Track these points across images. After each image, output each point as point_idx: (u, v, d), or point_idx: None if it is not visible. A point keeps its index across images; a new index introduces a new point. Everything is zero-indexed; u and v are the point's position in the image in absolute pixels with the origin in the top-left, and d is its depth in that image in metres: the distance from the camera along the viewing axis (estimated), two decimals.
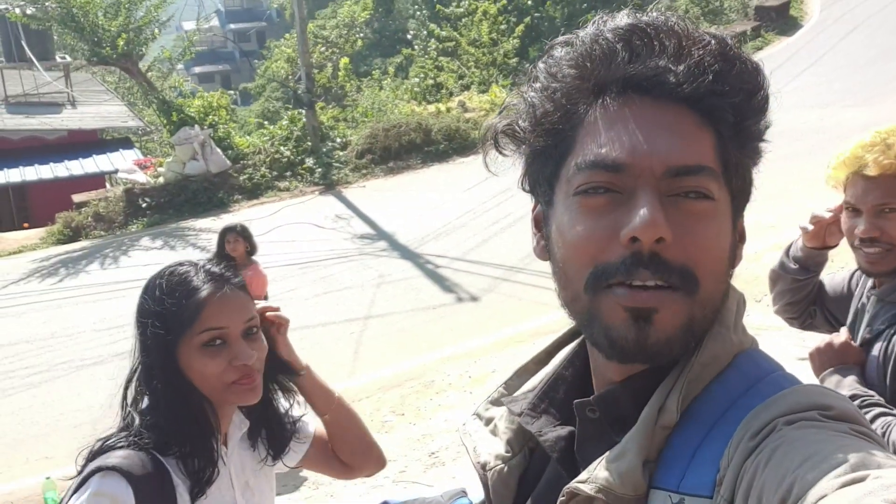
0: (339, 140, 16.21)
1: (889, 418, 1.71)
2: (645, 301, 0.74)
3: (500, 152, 0.88)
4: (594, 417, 0.82)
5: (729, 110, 0.77)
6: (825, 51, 15.90)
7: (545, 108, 0.81)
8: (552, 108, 0.81)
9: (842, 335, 1.94)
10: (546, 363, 0.98)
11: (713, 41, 0.77)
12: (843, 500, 0.57)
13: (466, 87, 20.12)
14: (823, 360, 1.90)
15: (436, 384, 6.33)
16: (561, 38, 0.83)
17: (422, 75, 21.68)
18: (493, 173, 0.92)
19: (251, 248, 6.09)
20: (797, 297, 2.24)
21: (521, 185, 0.89)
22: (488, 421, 0.97)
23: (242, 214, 13.18)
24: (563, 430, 0.86)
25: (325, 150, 15.82)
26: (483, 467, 0.92)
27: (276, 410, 1.75)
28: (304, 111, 16.41)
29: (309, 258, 10.38)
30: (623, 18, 0.79)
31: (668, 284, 0.74)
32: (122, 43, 17.67)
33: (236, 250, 5.95)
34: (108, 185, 17.53)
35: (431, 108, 17.59)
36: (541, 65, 0.84)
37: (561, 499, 0.77)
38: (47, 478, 5.21)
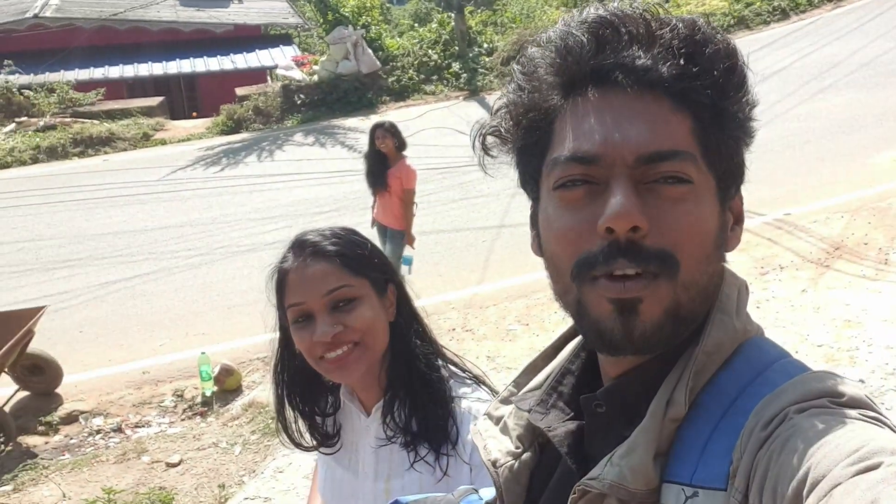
0: (485, 46, 16.10)
1: None
2: (628, 292, 0.74)
3: (489, 154, 0.89)
4: (601, 412, 0.82)
5: (703, 93, 0.76)
6: None
7: (522, 106, 0.83)
8: (528, 106, 0.82)
9: None
10: (553, 358, 0.97)
11: (681, 24, 0.77)
12: (856, 487, 0.57)
13: None
14: None
15: None
16: (533, 38, 0.85)
17: None
18: (490, 175, 0.94)
19: (400, 144, 6.33)
20: None
21: (518, 184, 0.89)
22: (498, 420, 0.96)
23: (389, 116, 13.45)
24: (573, 425, 0.86)
25: (471, 55, 15.79)
26: (493, 464, 0.90)
27: (415, 389, 1.45)
28: (453, 14, 16.34)
29: (449, 163, 10.55)
30: (591, 11, 0.79)
31: (649, 272, 0.74)
32: None
33: (386, 145, 6.25)
34: (268, 80, 18.31)
35: None
36: (516, 66, 0.85)
37: (572, 496, 0.77)
38: (202, 353, 5.82)
